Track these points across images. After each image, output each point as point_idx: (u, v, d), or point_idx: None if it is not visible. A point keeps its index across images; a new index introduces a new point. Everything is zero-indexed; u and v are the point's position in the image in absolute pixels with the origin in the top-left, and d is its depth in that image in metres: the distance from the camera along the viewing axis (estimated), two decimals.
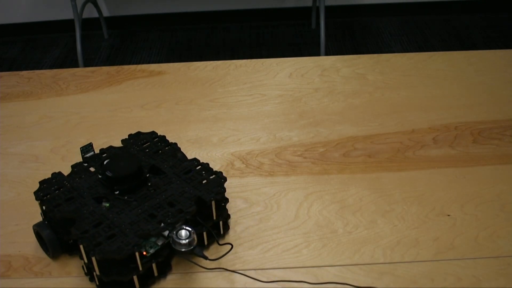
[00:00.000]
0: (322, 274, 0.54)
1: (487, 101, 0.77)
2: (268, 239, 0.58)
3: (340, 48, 2.25)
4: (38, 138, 0.73)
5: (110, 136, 0.73)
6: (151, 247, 0.51)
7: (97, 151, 0.62)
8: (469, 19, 2.40)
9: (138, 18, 2.45)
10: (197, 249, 0.51)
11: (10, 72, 0.87)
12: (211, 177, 0.57)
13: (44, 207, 0.55)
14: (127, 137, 0.64)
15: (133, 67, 0.87)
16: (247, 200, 0.62)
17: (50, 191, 0.57)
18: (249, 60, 0.88)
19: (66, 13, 2.37)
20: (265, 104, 0.78)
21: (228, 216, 0.59)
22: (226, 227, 0.58)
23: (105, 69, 0.87)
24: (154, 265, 0.52)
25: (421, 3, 2.42)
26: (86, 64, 2.20)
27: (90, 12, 2.37)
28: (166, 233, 0.52)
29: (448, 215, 0.59)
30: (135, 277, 0.51)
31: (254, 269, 0.54)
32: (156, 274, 0.53)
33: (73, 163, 0.60)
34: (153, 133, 0.64)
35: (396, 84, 0.81)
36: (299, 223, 0.59)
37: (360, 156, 0.68)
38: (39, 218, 0.60)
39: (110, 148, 0.62)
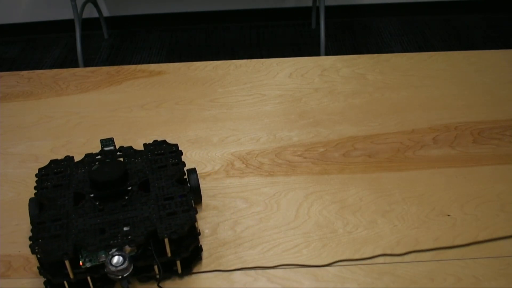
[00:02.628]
0: (322, 274, 0.54)
1: (487, 101, 0.77)
2: (268, 239, 0.58)
3: (340, 48, 2.25)
4: (38, 138, 0.73)
5: (110, 136, 0.72)
6: (90, 260, 0.50)
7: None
8: (469, 19, 2.39)
9: (138, 18, 2.45)
10: (124, 282, 0.49)
11: (10, 72, 0.87)
12: (184, 213, 0.53)
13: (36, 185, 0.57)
14: (132, 138, 0.64)
15: (133, 67, 0.87)
16: (247, 200, 0.62)
17: (51, 172, 0.58)
18: (249, 60, 0.88)
19: (66, 13, 2.37)
20: (265, 104, 0.78)
21: (196, 258, 0.55)
22: (187, 269, 0.54)
23: (105, 69, 0.87)
24: (89, 279, 0.51)
25: (421, 3, 2.42)
26: (86, 64, 2.20)
27: (90, 12, 2.37)
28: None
29: (448, 215, 0.59)
30: (65, 283, 0.50)
31: (254, 269, 0.54)
32: (91, 287, 0.51)
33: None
34: (175, 146, 0.61)
35: (396, 84, 0.81)
36: (299, 223, 0.59)
37: (360, 156, 0.68)
38: None
39: (129, 148, 0.61)
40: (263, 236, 0.58)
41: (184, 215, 0.52)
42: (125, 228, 0.51)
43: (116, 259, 0.49)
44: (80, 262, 0.50)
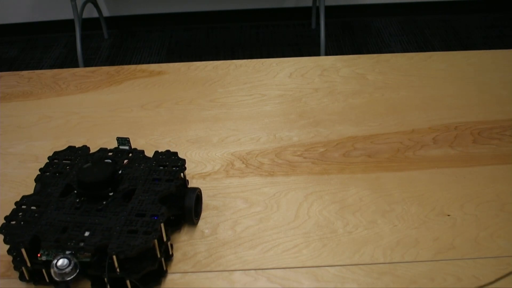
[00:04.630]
0: (322, 274, 0.54)
1: (487, 101, 0.77)
2: (268, 239, 0.58)
3: (340, 48, 2.25)
4: (38, 138, 0.73)
5: (110, 136, 0.73)
6: (47, 255, 0.50)
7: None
8: (469, 19, 2.40)
9: (138, 18, 2.45)
10: (62, 286, 0.48)
11: (10, 72, 0.87)
12: (145, 234, 0.49)
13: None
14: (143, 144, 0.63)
15: (133, 67, 0.87)
16: (247, 200, 0.62)
17: (62, 157, 0.58)
18: (249, 60, 0.88)
19: (66, 13, 2.37)
20: (265, 104, 0.78)
21: (153, 282, 0.51)
22: None
23: (105, 69, 0.87)
24: (44, 272, 0.50)
25: (421, 3, 2.42)
26: (86, 64, 2.20)
27: (90, 12, 2.37)
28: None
29: (448, 215, 0.60)
30: (24, 270, 0.51)
31: (254, 269, 0.54)
32: (47, 280, 0.51)
33: None
34: (182, 161, 0.58)
35: (396, 84, 0.81)
36: (299, 223, 0.59)
37: (360, 156, 0.68)
38: None
39: (140, 152, 0.60)
40: (263, 236, 0.58)
41: (142, 237, 0.49)
42: (86, 233, 0.50)
43: (61, 262, 0.48)
44: (39, 253, 0.50)
